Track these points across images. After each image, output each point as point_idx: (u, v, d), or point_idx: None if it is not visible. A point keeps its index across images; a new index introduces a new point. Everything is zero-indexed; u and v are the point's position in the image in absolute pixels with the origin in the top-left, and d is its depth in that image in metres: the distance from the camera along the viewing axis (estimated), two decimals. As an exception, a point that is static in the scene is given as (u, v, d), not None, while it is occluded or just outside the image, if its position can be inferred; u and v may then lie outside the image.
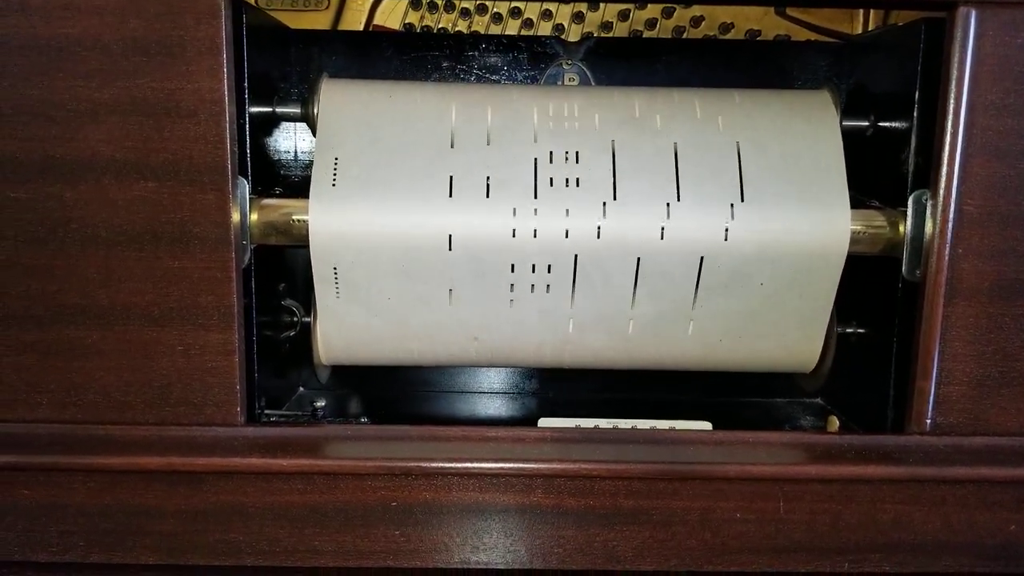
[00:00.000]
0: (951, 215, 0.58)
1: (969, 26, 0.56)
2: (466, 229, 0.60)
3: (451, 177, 0.60)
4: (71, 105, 0.56)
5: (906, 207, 0.60)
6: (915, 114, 0.61)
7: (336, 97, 0.64)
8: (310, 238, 0.60)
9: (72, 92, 0.56)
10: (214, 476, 0.59)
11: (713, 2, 0.77)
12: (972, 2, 0.56)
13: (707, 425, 0.65)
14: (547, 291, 0.62)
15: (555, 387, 0.81)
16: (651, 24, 0.79)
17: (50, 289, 0.58)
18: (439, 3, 0.78)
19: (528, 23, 0.79)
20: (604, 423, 0.64)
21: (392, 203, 0.60)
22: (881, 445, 0.61)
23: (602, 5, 0.78)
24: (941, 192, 0.58)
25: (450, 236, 0.60)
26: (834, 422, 0.69)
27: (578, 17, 0.79)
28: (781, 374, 0.71)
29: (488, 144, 0.62)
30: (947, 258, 0.58)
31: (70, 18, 0.55)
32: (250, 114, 0.60)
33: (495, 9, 0.79)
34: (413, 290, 0.62)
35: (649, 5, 0.78)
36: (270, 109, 0.65)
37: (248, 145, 0.60)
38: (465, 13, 0.79)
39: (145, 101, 0.56)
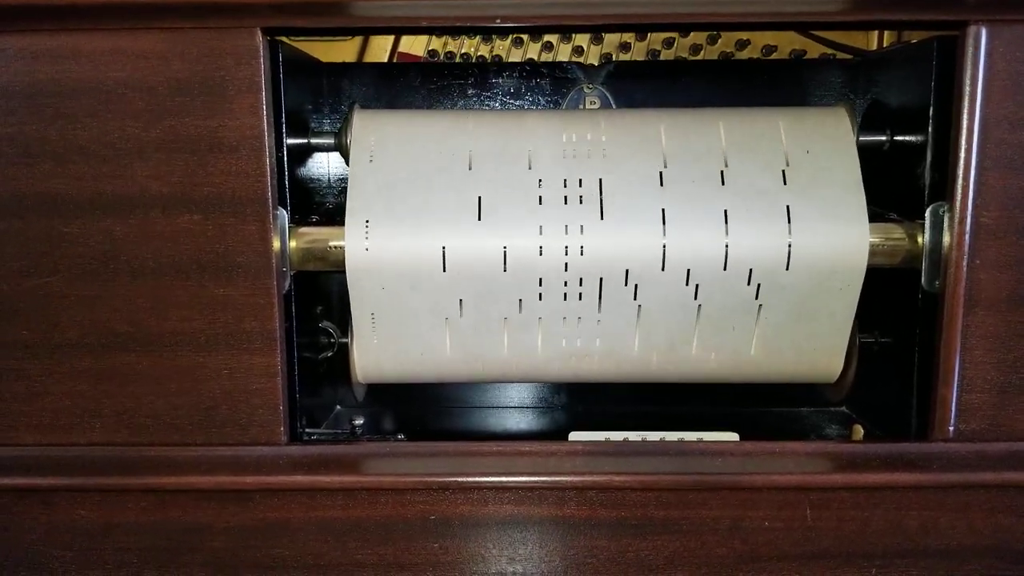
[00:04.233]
0: (968, 227, 0.59)
1: (980, 43, 0.57)
2: (497, 251, 0.62)
3: (479, 199, 0.62)
4: (120, 144, 0.59)
5: (924, 219, 0.62)
6: (930, 129, 0.62)
7: (367, 127, 0.66)
8: (346, 263, 0.62)
9: (121, 132, 0.59)
10: (260, 493, 0.61)
11: (730, 28, 0.78)
12: (982, 20, 0.57)
13: (734, 436, 0.66)
14: (578, 311, 0.64)
15: (583, 401, 0.83)
16: (668, 43, 0.81)
17: (102, 318, 0.61)
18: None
19: (548, 46, 0.81)
20: (633, 436, 0.66)
21: (425, 227, 0.62)
22: (905, 452, 0.62)
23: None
24: (957, 205, 0.59)
25: (482, 257, 0.62)
26: (859, 431, 0.70)
27: (597, 38, 0.81)
28: (806, 384, 0.73)
29: (514, 166, 0.64)
30: (965, 269, 0.60)
31: (117, 62, 0.58)
32: (287, 146, 0.63)
33: (516, 34, 0.81)
34: (447, 309, 0.64)
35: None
36: (306, 141, 0.68)
37: (287, 177, 0.62)
38: (487, 38, 0.81)
39: (189, 138, 0.58)
